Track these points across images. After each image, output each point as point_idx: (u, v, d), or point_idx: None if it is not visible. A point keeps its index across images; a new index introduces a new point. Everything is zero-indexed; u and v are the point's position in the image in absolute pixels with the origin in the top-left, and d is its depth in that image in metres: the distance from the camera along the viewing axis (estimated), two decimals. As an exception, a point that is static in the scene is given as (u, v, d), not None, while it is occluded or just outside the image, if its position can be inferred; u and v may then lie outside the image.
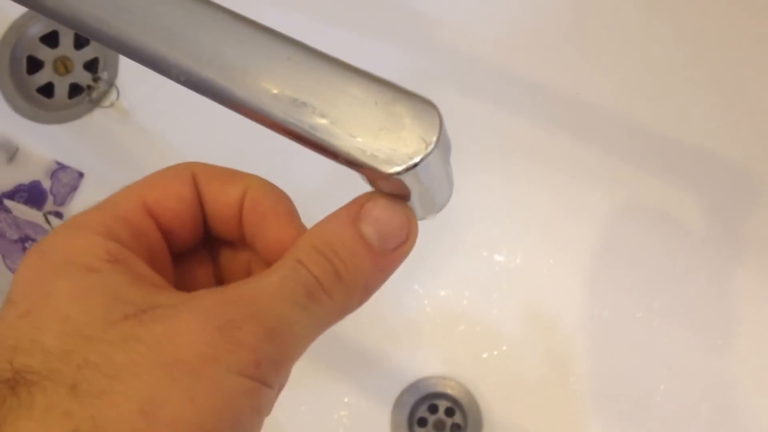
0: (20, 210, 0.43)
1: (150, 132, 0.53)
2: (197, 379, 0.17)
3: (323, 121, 0.20)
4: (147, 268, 0.20)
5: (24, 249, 0.41)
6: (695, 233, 0.55)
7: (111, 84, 0.49)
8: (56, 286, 0.19)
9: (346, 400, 0.64)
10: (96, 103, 0.49)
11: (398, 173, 0.19)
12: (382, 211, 0.21)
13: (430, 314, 0.65)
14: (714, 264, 0.56)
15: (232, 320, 0.18)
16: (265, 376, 0.18)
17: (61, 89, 0.49)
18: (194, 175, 0.22)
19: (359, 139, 0.19)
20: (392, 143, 0.19)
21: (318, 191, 0.62)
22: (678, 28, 0.56)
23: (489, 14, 0.59)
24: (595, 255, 0.58)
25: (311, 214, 0.64)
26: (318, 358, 0.64)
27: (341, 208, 0.21)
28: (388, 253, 0.21)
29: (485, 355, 0.63)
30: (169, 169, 0.23)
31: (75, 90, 0.50)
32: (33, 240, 0.42)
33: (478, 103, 0.59)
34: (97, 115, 0.50)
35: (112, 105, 0.49)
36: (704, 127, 0.56)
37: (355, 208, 0.21)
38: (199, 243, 0.23)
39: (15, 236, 0.40)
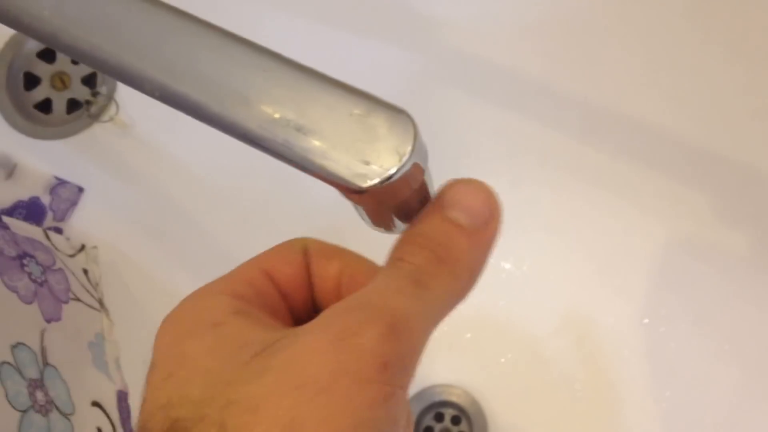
0: (19, 226, 0.43)
1: (150, 145, 0.53)
2: (330, 395, 0.18)
3: (297, 135, 0.20)
4: (269, 317, 0.22)
5: (22, 266, 0.41)
6: (703, 237, 0.54)
7: (110, 98, 0.49)
8: (191, 345, 0.20)
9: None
10: (95, 117, 0.49)
11: (374, 186, 0.19)
12: (461, 194, 0.21)
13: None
14: (722, 268, 0.55)
15: (350, 328, 0.18)
16: (394, 378, 0.18)
17: (59, 105, 0.50)
18: (305, 247, 0.24)
19: (334, 154, 0.19)
20: (367, 156, 0.19)
21: (328, 200, 0.62)
22: (688, 27, 0.56)
23: (496, 15, 0.58)
24: (602, 261, 0.58)
25: (323, 222, 0.64)
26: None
27: (424, 207, 0.22)
28: (480, 230, 0.21)
29: (492, 363, 0.63)
30: (285, 242, 0.24)
31: (73, 105, 0.50)
32: (31, 256, 0.42)
33: (485, 106, 0.58)
34: (97, 130, 0.50)
35: (111, 119, 0.49)
36: (718, 131, 0.55)
37: (435, 201, 0.21)
38: (310, 313, 0.24)
39: (13, 253, 0.41)
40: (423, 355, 0.64)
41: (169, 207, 0.56)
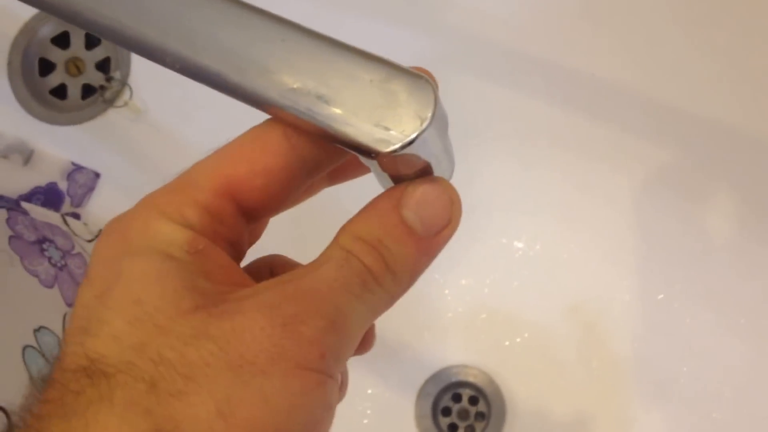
0: (37, 212, 0.44)
1: (164, 130, 0.53)
2: (268, 379, 0.18)
3: (318, 102, 0.20)
4: (225, 256, 0.20)
5: (42, 251, 0.41)
6: (717, 213, 0.54)
7: (124, 83, 0.50)
8: (133, 267, 0.19)
9: (369, 391, 0.64)
10: (109, 103, 0.49)
11: (394, 152, 0.19)
12: (423, 195, 0.20)
13: (452, 303, 0.65)
14: (736, 243, 0.55)
15: (296, 315, 0.18)
16: (329, 368, 0.19)
17: (74, 90, 0.50)
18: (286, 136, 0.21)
19: (354, 119, 0.19)
20: (388, 122, 0.19)
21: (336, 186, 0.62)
22: (695, 3, 0.55)
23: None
24: (615, 238, 0.58)
25: (335, 202, 0.64)
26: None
27: (384, 193, 0.21)
28: (432, 238, 0.21)
29: (507, 343, 0.63)
30: (256, 131, 0.21)
31: (88, 90, 0.51)
32: (50, 241, 0.42)
33: (494, 87, 0.58)
34: (112, 115, 0.50)
35: (125, 104, 0.49)
36: (725, 104, 0.55)
37: (397, 193, 0.20)
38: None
39: (33, 238, 0.41)
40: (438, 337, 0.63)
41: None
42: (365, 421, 0.63)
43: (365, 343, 0.25)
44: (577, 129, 0.56)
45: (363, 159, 0.20)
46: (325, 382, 0.18)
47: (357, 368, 0.68)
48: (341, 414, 0.66)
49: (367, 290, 0.20)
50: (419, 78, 0.19)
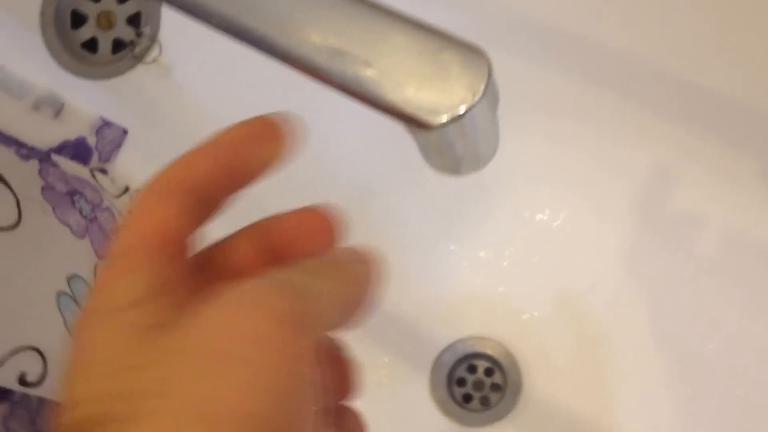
0: (67, 165, 0.44)
1: (192, 88, 0.53)
2: (249, 363, 0.17)
3: (367, 70, 0.19)
4: (183, 278, 0.20)
5: (72, 202, 0.41)
6: (745, 191, 0.53)
7: (153, 39, 0.49)
8: (96, 334, 0.18)
9: (385, 360, 0.64)
10: (139, 58, 0.49)
11: (443, 124, 0.19)
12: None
13: (469, 276, 0.65)
14: (763, 221, 0.54)
15: (260, 295, 0.18)
16: (307, 339, 0.18)
17: (105, 44, 0.50)
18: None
19: (404, 89, 0.19)
20: (438, 93, 0.19)
21: (355, 154, 0.62)
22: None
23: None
24: (640, 215, 0.57)
25: (346, 178, 0.64)
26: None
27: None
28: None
29: (526, 317, 0.63)
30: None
31: (118, 45, 0.50)
32: (80, 193, 0.42)
33: (522, 62, 0.57)
34: (140, 71, 0.50)
35: (154, 60, 0.49)
36: (762, 87, 0.54)
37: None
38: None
39: (64, 189, 0.41)
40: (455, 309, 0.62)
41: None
42: (380, 389, 0.64)
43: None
44: (606, 105, 0.56)
45: (410, 131, 0.20)
46: (304, 355, 0.18)
47: (374, 337, 0.69)
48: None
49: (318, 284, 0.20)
50: (473, 51, 0.19)
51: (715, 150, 0.53)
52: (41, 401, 0.42)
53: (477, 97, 0.19)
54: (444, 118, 0.19)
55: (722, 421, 0.53)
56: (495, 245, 0.64)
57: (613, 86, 0.55)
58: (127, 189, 0.49)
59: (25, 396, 0.42)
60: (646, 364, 0.57)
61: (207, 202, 0.21)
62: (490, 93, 0.19)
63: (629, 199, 0.57)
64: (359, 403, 0.65)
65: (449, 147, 0.20)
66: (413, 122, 0.19)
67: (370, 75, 0.19)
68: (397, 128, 0.56)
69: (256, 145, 0.22)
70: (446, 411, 0.63)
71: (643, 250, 0.57)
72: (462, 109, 0.19)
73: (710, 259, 0.55)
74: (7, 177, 0.36)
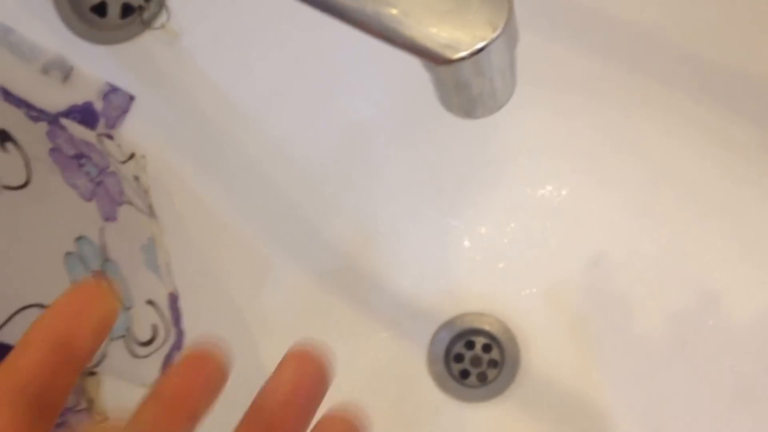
0: (75, 129, 0.44)
1: (199, 56, 0.53)
2: None
3: (387, 7, 0.20)
4: None
5: (80, 165, 0.42)
6: (754, 163, 0.54)
7: (162, 5, 0.49)
8: None
9: (383, 335, 0.65)
10: (147, 24, 0.49)
11: (461, 59, 0.19)
12: None
13: (470, 251, 0.65)
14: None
15: None
16: None
17: (114, 8, 0.50)
18: None
19: (423, 25, 0.19)
20: (457, 29, 0.19)
21: (365, 125, 0.62)
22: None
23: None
24: (645, 191, 0.57)
25: (358, 148, 0.63)
26: (357, 295, 0.64)
27: None
28: None
29: (525, 293, 0.63)
30: None
31: (127, 10, 0.50)
32: (88, 157, 0.43)
33: (529, 34, 0.57)
34: (148, 37, 0.50)
35: (162, 27, 0.49)
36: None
37: None
38: None
39: (71, 152, 0.41)
40: (454, 285, 0.63)
41: (209, 125, 0.56)
42: (378, 364, 0.64)
43: None
44: (614, 78, 0.56)
45: (427, 68, 0.20)
46: None
47: (372, 312, 0.69)
48: (355, 355, 0.67)
49: None
50: None
51: (722, 122, 0.53)
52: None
53: (496, 34, 0.19)
54: (462, 53, 0.19)
55: (720, 397, 0.53)
56: (496, 221, 0.64)
57: (621, 59, 0.55)
58: (132, 155, 0.49)
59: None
60: (645, 340, 0.58)
61: (45, 400, 0.19)
62: (509, 31, 0.19)
63: (634, 174, 0.57)
64: (358, 377, 0.65)
65: (466, 84, 0.20)
66: (431, 57, 0.19)
67: (390, 12, 0.19)
68: (402, 102, 0.57)
69: (87, 318, 0.19)
70: (443, 386, 0.64)
71: (647, 226, 0.57)
72: (480, 45, 0.19)
73: (714, 233, 0.55)
74: (17, 137, 0.37)
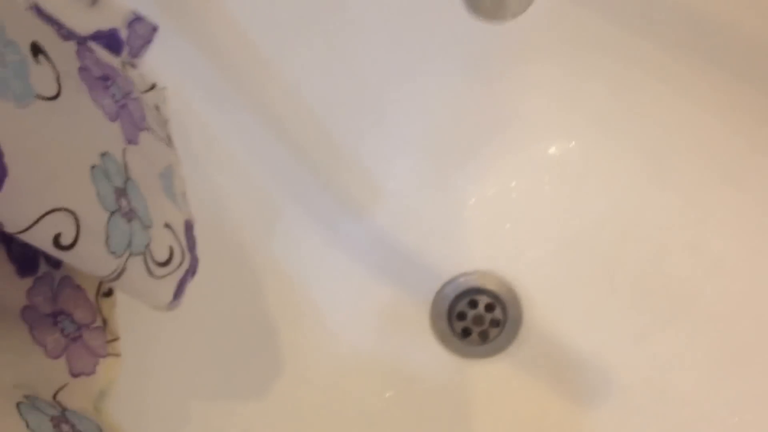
0: (101, 53, 0.44)
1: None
2: None
3: None
4: None
5: (106, 87, 0.42)
6: (760, 132, 0.54)
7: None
8: None
9: (388, 290, 0.65)
10: (175, -43, 0.49)
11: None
12: None
13: (476, 212, 0.65)
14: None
15: None
16: None
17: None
18: None
19: None
20: None
21: (378, 77, 0.62)
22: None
23: None
24: (652, 153, 0.58)
25: (370, 101, 0.63)
26: (363, 249, 0.65)
27: None
28: None
29: (530, 254, 0.64)
30: None
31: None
32: (113, 80, 0.43)
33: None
34: (176, -30, 0.50)
35: (190, -39, 0.49)
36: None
37: None
38: None
39: (98, 73, 0.42)
40: (460, 243, 0.63)
41: (228, 63, 0.56)
42: (382, 319, 0.65)
43: None
44: (628, 42, 0.56)
45: None
46: None
47: (378, 267, 0.70)
48: (359, 309, 0.67)
49: None
50: None
51: (737, 88, 0.54)
52: (63, 279, 0.43)
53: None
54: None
55: (719, 359, 0.54)
56: (504, 180, 0.64)
57: (635, 20, 0.55)
58: (153, 86, 0.49)
59: (48, 273, 0.42)
60: (645, 304, 0.58)
61: None
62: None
63: (647, 137, 0.57)
64: (361, 329, 0.65)
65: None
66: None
67: None
68: (413, 57, 0.55)
69: None
70: (445, 343, 0.65)
71: (656, 189, 0.57)
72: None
73: (723, 201, 0.56)
74: (48, 52, 0.37)
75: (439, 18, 0.56)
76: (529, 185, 0.64)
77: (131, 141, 0.42)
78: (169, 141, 0.48)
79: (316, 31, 0.58)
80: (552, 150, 0.62)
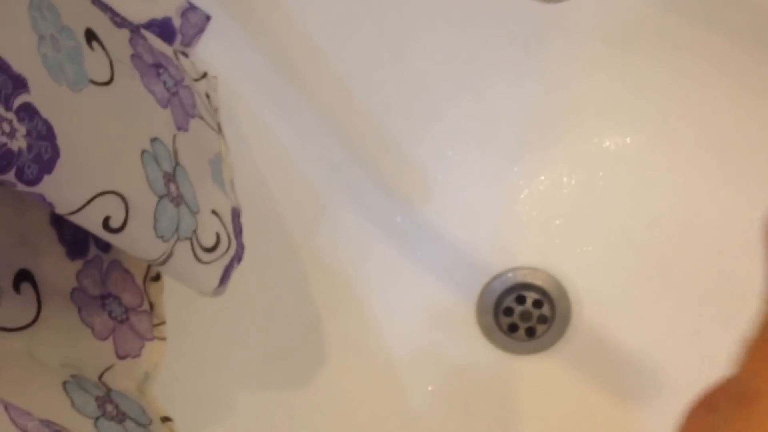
0: (154, 41, 0.45)
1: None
2: None
3: None
4: None
5: (158, 74, 0.42)
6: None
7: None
8: None
9: (435, 284, 0.65)
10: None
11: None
12: None
13: (527, 206, 0.64)
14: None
15: None
16: None
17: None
18: None
19: None
20: None
21: (431, 72, 0.62)
22: None
23: None
24: (713, 148, 0.56)
25: (422, 94, 0.62)
26: (411, 242, 0.64)
27: None
28: None
29: (581, 250, 0.63)
30: None
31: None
32: (164, 68, 0.43)
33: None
34: (228, -40, 0.51)
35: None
36: None
37: None
38: None
39: (150, 61, 0.42)
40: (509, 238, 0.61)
41: (278, 54, 0.57)
42: (427, 311, 0.64)
43: None
44: (686, 31, 0.54)
45: None
46: None
47: (426, 259, 0.69)
48: (407, 302, 0.67)
49: None
50: None
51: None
52: (111, 263, 0.44)
53: None
54: None
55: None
56: (557, 175, 0.63)
57: (699, 8, 0.53)
58: (205, 74, 0.50)
59: (97, 256, 0.43)
60: (701, 304, 0.57)
61: None
62: None
63: (703, 137, 0.56)
64: (408, 322, 0.64)
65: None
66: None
67: None
68: (467, 50, 0.55)
69: None
70: (491, 338, 0.64)
71: (715, 186, 0.56)
72: None
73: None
74: (102, 38, 0.37)
75: (501, 3, 0.55)
76: (582, 180, 0.62)
77: (181, 127, 0.43)
78: (218, 129, 0.48)
79: (369, 20, 0.57)
80: (607, 143, 0.61)
